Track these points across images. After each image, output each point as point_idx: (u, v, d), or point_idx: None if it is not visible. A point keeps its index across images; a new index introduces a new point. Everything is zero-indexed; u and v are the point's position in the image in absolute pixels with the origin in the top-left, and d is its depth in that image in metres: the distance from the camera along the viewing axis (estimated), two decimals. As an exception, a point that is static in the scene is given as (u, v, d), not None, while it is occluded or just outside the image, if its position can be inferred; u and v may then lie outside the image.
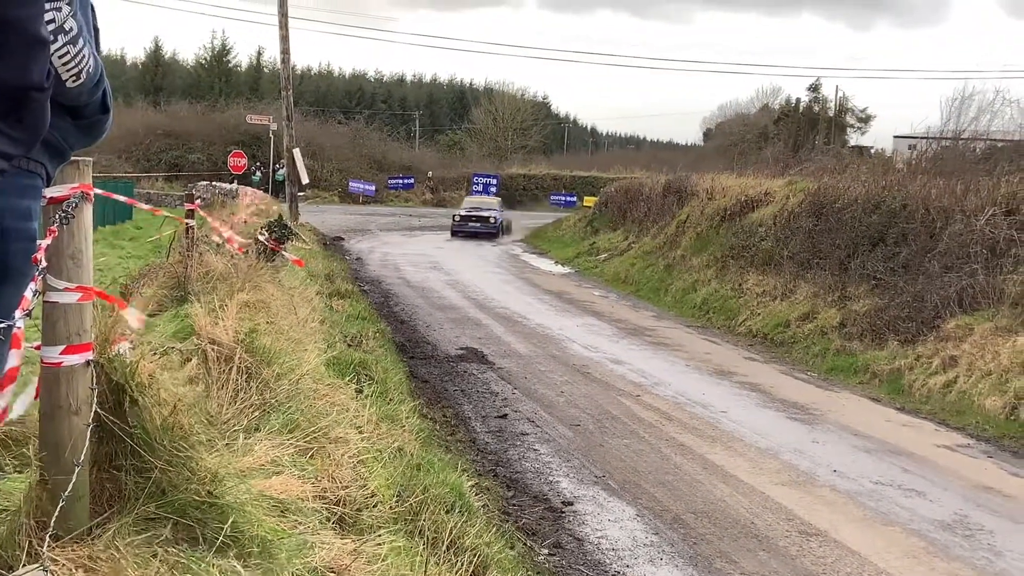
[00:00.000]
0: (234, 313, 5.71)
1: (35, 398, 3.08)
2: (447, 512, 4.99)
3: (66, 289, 2.78)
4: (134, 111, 52.33)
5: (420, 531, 4.49)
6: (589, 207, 34.48)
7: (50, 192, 2.64)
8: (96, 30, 1.47)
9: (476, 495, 6.04)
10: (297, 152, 26.28)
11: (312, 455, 4.34)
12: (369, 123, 60.72)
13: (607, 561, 5.72)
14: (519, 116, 72.26)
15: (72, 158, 2.18)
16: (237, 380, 4.84)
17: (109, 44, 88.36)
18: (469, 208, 34.18)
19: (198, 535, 2.88)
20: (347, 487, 4.19)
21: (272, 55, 75.50)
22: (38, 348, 2.89)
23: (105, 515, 2.87)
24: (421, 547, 4.18)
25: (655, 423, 8.99)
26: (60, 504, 2.61)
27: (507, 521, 6.03)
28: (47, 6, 1.26)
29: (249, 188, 32.60)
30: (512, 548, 5.38)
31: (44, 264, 2.62)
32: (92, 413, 2.82)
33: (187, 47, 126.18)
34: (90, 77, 1.39)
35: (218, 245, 10.81)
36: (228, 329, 5.22)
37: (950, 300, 11.79)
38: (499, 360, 11.55)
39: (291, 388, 5.10)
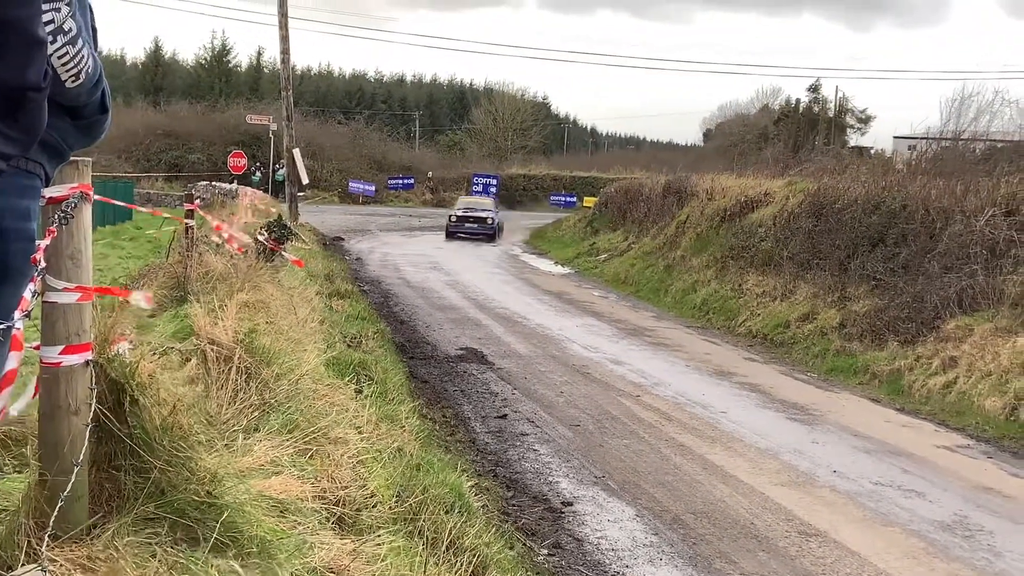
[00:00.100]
0: (234, 313, 5.72)
1: (34, 395, 3.08)
2: (447, 512, 4.99)
3: (65, 289, 2.78)
4: (134, 111, 52.36)
5: (419, 531, 4.49)
6: (589, 207, 34.48)
7: (49, 192, 2.64)
8: (94, 30, 1.47)
9: (476, 495, 6.04)
10: (297, 152, 26.29)
11: (311, 455, 4.34)
12: (369, 123, 60.75)
13: (607, 561, 5.72)
14: (519, 116, 72.27)
15: (71, 158, 2.18)
16: (236, 380, 4.84)
17: (109, 44, 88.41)
18: (464, 209, 33.05)
19: (197, 535, 2.88)
20: (346, 487, 4.19)
21: (272, 55, 75.59)
22: (37, 348, 2.89)
23: (104, 515, 2.87)
24: (420, 547, 4.18)
25: (655, 423, 8.99)
26: (59, 504, 2.61)
27: (507, 521, 6.03)
28: (46, 7, 1.26)
29: (249, 188, 32.59)
30: (512, 548, 5.38)
31: (43, 264, 2.62)
32: (91, 413, 2.82)
33: (187, 47, 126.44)
34: (89, 77, 1.39)
35: (218, 245, 10.81)
36: (228, 329, 5.22)
37: (950, 301, 11.79)
38: (499, 360, 11.55)
39: (290, 388, 5.11)
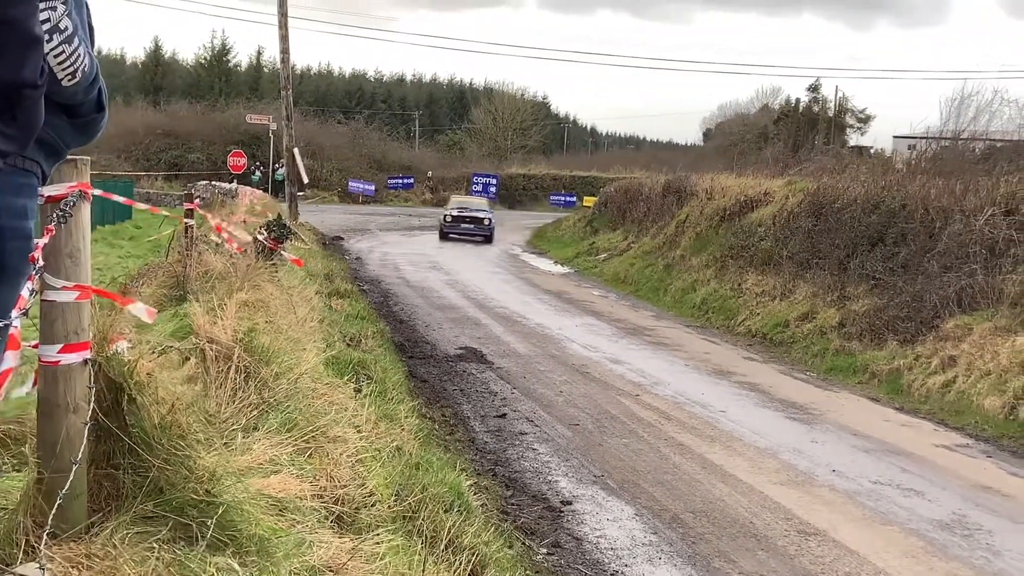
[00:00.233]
0: (233, 312, 5.72)
1: (33, 385, 3.08)
2: (445, 511, 4.99)
3: (64, 288, 2.78)
4: (134, 111, 52.36)
5: (418, 530, 4.49)
6: (589, 207, 34.47)
7: (48, 190, 2.64)
8: (91, 28, 1.48)
9: (475, 494, 6.04)
10: (296, 151, 26.30)
11: (310, 454, 4.35)
12: (369, 123, 60.76)
13: (606, 560, 5.72)
14: (519, 116, 72.27)
15: (70, 157, 2.18)
16: (235, 379, 4.84)
17: (109, 44, 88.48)
18: (459, 208, 31.83)
19: (196, 534, 2.88)
20: (345, 486, 4.19)
21: (272, 55, 75.57)
22: (36, 347, 2.90)
23: (103, 513, 2.88)
24: (419, 546, 4.19)
25: (654, 423, 8.99)
26: (58, 502, 2.61)
27: (506, 520, 6.03)
28: (41, 5, 1.27)
29: (248, 188, 32.60)
30: (511, 547, 5.39)
31: (41, 263, 2.62)
32: (90, 412, 2.82)
33: (187, 47, 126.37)
34: (85, 76, 1.40)
35: (217, 244, 10.82)
36: (227, 328, 5.22)
37: (949, 300, 11.80)
38: (498, 360, 11.55)
39: (290, 387, 5.11)
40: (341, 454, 4.53)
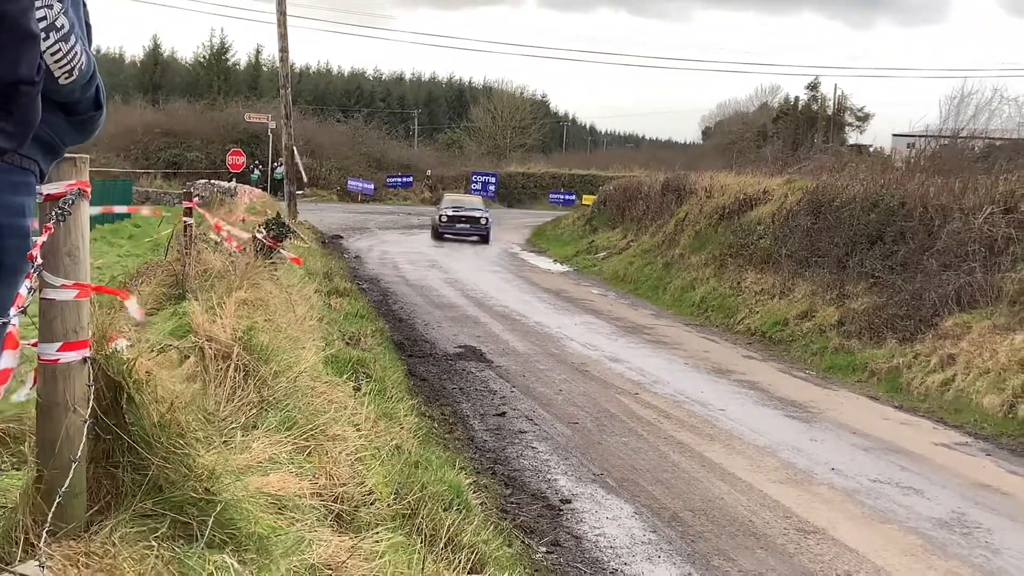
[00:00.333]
0: (232, 311, 5.72)
1: (33, 385, 3.08)
2: (445, 509, 4.99)
3: (63, 286, 2.78)
4: (132, 109, 52.33)
5: (418, 528, 4.50)
6: (588, 206, 34.45)
7: (47, 189, 2.64)
8: (89, 27, 1.48)
9: (474, 493, 6.05)
10: (294, 150, 26.30)
11: (310, 452, 4.35)
12: (368, 121, 60.75)
13: (605, 559, 5.73)
14: (518, 114, 72.28)
15: (68, 155, 2.18)
16: (235, 377, 4.84)
17: (108, 42, 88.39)
18: (454, 207, 30.69)
19: (195, 532, 2.88)
20: (345, 484, 4.19)
21: (271, 53, 75.59)
22: (35, 345, 2.90)
23: (102, 511, 2.88)
24: (419, 544, 4.19)
25: (653, 421, 8.99)
26: (57, 500, 2.61)
27: (505, 519, 6.03)
28: (38, 3, 1.27)
29: (247, 186, 32.58)
30: (510, 546, 5.39)
31: (40, 261, 2.62)
32: (89, 410, 2.82)
33: (186, 45, 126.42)
34: (83, 74, 1.40)
35: (216, 243, 10.82)
36: (226, 327, 5.22)
37: (948, 298, 11.80)
38: (497, 358, 11.56)
39: (289, 386, 5.11)
40: (340, 452, 4.53)
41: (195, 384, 4.54)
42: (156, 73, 75.18)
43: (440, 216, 30.25)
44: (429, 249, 26.91)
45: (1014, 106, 26.15)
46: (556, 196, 50.81)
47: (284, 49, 26.46)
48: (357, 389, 6.94)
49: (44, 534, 2.55)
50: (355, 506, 4.11)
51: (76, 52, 1.36)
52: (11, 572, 2.47)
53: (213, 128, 49.36)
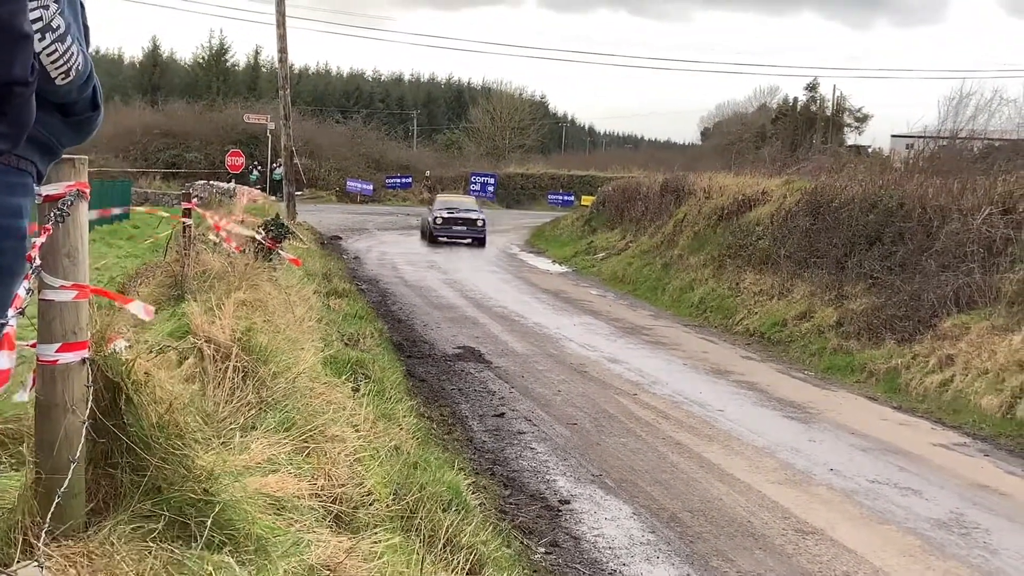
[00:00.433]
0: (231, 312, 5.72)
1: (32, 386, 3.08)
2: (444, 510, 4.99)
3: (62, 287, 2.78)
4: (131, 110, 52.36)
5: (416, 529, 4.50)
6: (587, 206, 34.46)
7: (46, 190, 2.65)
8: (86, 28, 1.48)
9: (473, 493, 6.05)
10: (293, 151, 26.31)
11: (308, 453, 4.35)
12: (367, 122, 60.76)
13: (604, 559, 5.73)
14: (517, 115, 72.32)
15: (67, 156, 2.18)
16: (233, 378, 4.84)
17: (107, 43, 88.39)
18: (449, 209, 29.09)
19: (193, 532, 2.89)
20: (343, 485, 4.19)
21: (270, 54, 75.50)
22: (33, 346, 2.90)
23: (101, 512, 2.88)
24: (417, 545, 4.19)
25: (652, 422, 9.00)
26: (56, 501, 2.62)
27: (504, 519, 6.03)
28: (32, 4, 1.27)
29: (246, 187, 32.59)
30: (509, 546, 5.39)
31: (38, 262, 2.62)
32: (88, 411, 2.82)
33: (185, 46, 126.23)
34: (79, 74, 1.40)
35: (215, 244, 10.81)
36: (225, 328, 5.22)
37: (947, 299, 11.81)
38: (496, 359, 11.56)
39: (288, 386, 5.11)
40: (339, 453, 4.53)
41: (194, 385, 4.54)
42: (155, 74, 75.17)
43: (434, 218, 28.70)
44: (428, 250, 26.91)
45: (1013, 107, 26.14)
46: (555, 197, 50.84)
47: (283, 50, 26.47)
48: (356, 390, 6.94)
49: (43, 535, 2.55)
50: (354, 507, 4.12)
51: (72, 53, 1.37)
52: (10, 574, 2.48)
53: (212, 129, 49.37)
